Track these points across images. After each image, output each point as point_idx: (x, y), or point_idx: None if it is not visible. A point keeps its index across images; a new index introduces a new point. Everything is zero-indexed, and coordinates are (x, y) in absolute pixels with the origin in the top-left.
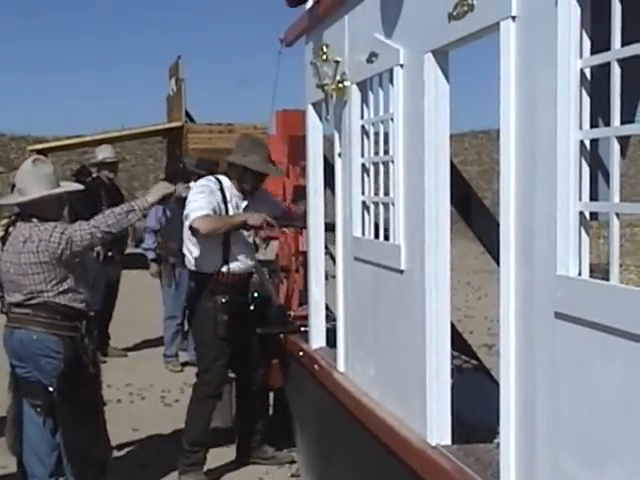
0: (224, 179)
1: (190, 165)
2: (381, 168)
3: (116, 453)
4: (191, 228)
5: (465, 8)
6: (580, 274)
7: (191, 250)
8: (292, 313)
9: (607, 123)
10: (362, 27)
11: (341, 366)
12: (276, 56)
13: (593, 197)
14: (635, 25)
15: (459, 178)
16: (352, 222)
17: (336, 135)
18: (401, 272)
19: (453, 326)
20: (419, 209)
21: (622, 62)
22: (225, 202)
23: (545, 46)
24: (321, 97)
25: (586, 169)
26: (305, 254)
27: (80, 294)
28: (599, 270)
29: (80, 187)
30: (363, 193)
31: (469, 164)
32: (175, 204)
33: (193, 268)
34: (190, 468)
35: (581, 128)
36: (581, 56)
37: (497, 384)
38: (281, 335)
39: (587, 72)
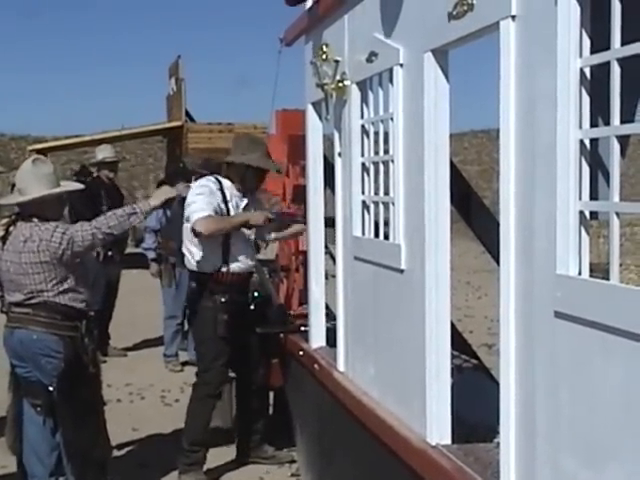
0: (224, 179)
1: (194, 165)
2: (381, 167)
3: (116, 453)
4: (193, 230)
5: (465, 7)
6: (580, 273)
7: (191, 250)
8: (292, 312)
9: (607, 122)
10: (362, 26)
11: (341, 365)
12: (276, 56)
13: (593, 196)
14: (635, 24)
15: (459, 177)
16: (352, 221)
17: (336, 134)
18: (401, 271)
19: (453, 325)
20: (419, 208)
21: (622, 61)
22: (225, 202)
23: (545, 45)
24: (321, 97)
25: (586, 168)
26: (305, 253)
27: (80, 294)
28: (599, 269)
29: (80, 186)
30: (363, 192)
31: (469, 163)
32: (176, 204)
33: (193, 268)
34: (190, 468)
35: (581, 127)
36: (581, 55)
37: (497, 383)
38: (281, 335)
39: (587, 71)
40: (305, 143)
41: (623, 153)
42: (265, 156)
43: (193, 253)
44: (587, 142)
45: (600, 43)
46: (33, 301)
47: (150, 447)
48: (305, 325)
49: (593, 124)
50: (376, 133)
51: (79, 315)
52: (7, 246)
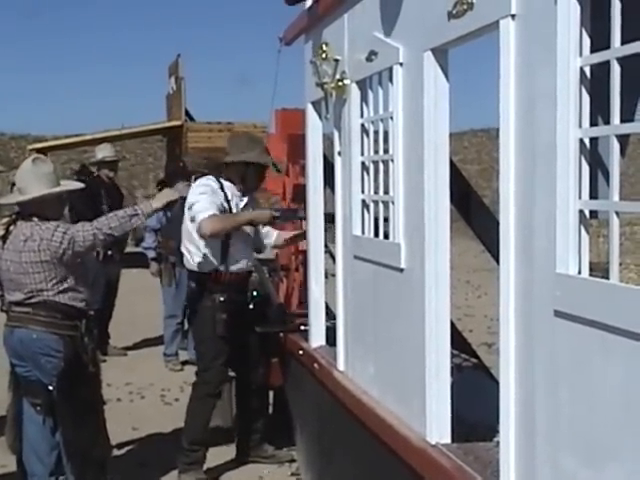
0: (224, 180)
1: (195, 164)
2: (381, 166)
3: (116, 452)
4: (199, 229)
5: (465, 6)
6: (580, 272)
7: (189, 249)
8: (291, 311)
9: (607, 121)
10: (362, 25)
11: (341, 365)
12: (276, 55)
13: (593, 195)
14: (635, 24)
15: (459, 176)
16: (352, 220)
17: (336, 134)
18: (401, 270)
19: (453, 324)
20: (419, 207)
21: (622, 60)
22: (227, 200)
23: (545, 44)
24: (321, 96)
25: (586, 167)
26: (305, 253)
27: (80, 293)
28: (599, 269)
29: (80, 186)
30: (363, 192)
31: (469, 163)
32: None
33: (192, 267)
34: (190, 467)
35: (581, 126)
36: (581, 54)
37: (497, 382)
38: (281, 334)
39: (587, 70)
40: (305, 142)
41: (623, 152)
42: (264, 152)
43: (192, 252)
44: (587, 141)
45: (600, 42)
46: (33, 300)
47: (150, 446)
48: (305, 324)
49: (593, 123)
50: (376, 132)
51: (79, 314)
52: (7, 245)
